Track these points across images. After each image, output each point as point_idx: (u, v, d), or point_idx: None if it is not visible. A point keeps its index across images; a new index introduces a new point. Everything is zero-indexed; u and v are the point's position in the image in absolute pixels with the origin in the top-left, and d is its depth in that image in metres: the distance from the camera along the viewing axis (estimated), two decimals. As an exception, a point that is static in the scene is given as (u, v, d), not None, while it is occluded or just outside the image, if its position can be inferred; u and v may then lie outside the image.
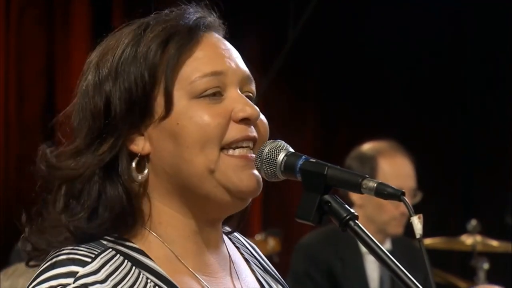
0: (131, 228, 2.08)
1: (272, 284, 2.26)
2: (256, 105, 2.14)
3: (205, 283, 2.11)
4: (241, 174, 2.06)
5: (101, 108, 2.07)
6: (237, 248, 2.27)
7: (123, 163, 2.06)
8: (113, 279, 2.01)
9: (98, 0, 8.51)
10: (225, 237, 2.23)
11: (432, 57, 8.88)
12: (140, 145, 2.08)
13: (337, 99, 8.64)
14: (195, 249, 2.12)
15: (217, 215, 2.13)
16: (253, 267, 2.26)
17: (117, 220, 2.05)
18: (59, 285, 1.97)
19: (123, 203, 2.05)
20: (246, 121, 2.07)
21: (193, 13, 2.14)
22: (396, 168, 5.62)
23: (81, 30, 8.41)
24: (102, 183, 2.06)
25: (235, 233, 2.30)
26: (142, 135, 2.08)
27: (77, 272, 1.98)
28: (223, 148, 2.06)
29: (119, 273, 2.02)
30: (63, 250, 2.03)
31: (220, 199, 2.07)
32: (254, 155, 2.10)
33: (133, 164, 2.07)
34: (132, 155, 2.08)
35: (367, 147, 5.76)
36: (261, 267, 2.29)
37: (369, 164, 5.61)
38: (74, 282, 1.97)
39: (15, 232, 7.33)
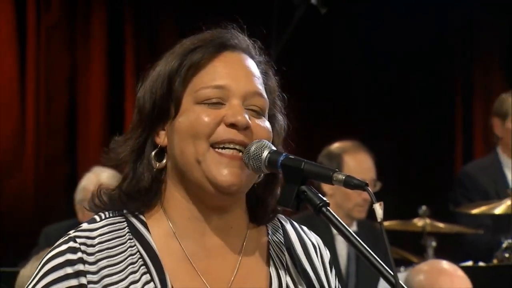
0: (150, 204, 2.07)
1: (297, 283, 2.13)
2: None
3: (194, 264, 2.04)
4: (222, 169, 2.00)
5: (140, 105, 2.08)
6: (268, 238, 2.16)
7: (148, 151, 2.06)
8: (102, 238, 2.02)
9: (112, 23, 8.31)
10: (257, 227, 2.15)
11: (387, 70, 8.65)
12: (162, 138, 2.07)
13: (313, 108, 8.54)
14: (194, 232, 2.05)
15: (211, 203, 2.05)
16: (276, 265, 2.13)
17: (140, 194, 2.05)
18: (68, 233, 2.05)
19: (146, 182, 2.05)
20: (234, 126, 2.01)
21: (225, 33, 2.11)
22: (358, 163, 5.54)
23: (98, 47, 8.31)
24: (134, 163, 2.07)
25: (290, 226, 2.21)
26: (165, 130, 2.07)
27: (81, 227, 2.06)
28: (214, 145, 2.02)
29: (112, 235, 2.03)
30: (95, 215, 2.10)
31: (206, 188, 2.02)
32: (241, 154, 2.05)
33: (152, 153, 2.06)
34: (156, 146, 2.08)
35: (334, 146, 5.68)
36: (296, 267, 2.15)
37: (336, 160, 5.52)
38: (73, 233, 2.04)
39: (42, 220, 7.07)
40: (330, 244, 5.35)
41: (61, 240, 2.03)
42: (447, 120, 9.13)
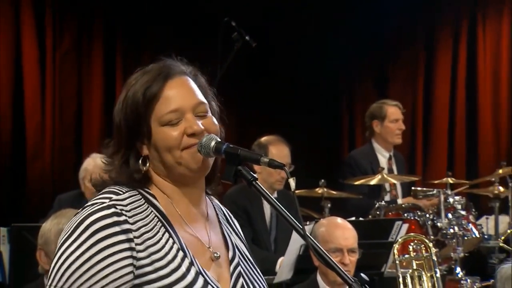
0: (148, 183, 1.98)
1: (235, 239, 2.10)
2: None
3: (187, 222, 1.98)
4: (194, 160, 1.94)
5: (118, 127, 1.98)
6: (215, 208, 2.11)
7: (132, 160, 1.97)
8: (132, 206, 1.92)
9: (107, 52, 8.23)
10: (208, 201, 2.09)
11: (302, 76, 8.55)
12: (143, 150, 1.97)
13: (249, 110, 8.53)
14: (182, 202, 1.99)
15: (189, 182, 1.98)
16: (222, 226, 2.09)
17: (135, 181, 1.96)
18: (100, 202, 1.90)
19: (135, 176, 1.96)
20: (193, 134, 1.94)
21: (168, 65, 2.01)
22: (279, 151, 5.46)
23: (98, 70, 8.20)
24: (126, 167, 1.96)
25: (216, 201, 2.15)
26: (144, 143, 1.97)
27: (112, 198, 1.91)
28: (183, 149, 1.94)
29: (137, 204, 1.93)
30: (110, 188, 1.97)
31: (187, 174, 1.96)
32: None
33: (140, 161, 1.97)
34: (139, 156, 1.97)
35: (263, 138, 5.59)
36: (229, 227, 2.13)
37: (264, 149, 5.46)
38: (109, 202, 1.89)
39: (57, 191, 7.01)
40: (258, 206, 5.40)
41: (98, 206, 1.88)
42: (338, 120, 9.08)
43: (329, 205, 6.09)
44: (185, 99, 1.96)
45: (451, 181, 6.11)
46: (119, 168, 1.96)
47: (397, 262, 4.65)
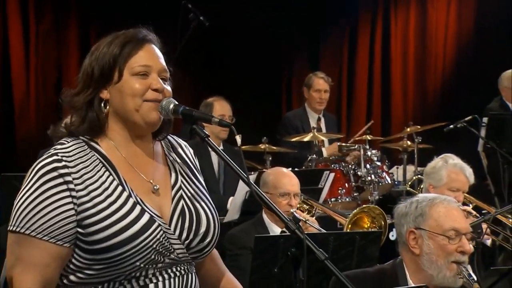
0: (99, 135, 1.92)
1: (181, 166, 2.02)
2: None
3: (131, 164, 1.92)
4: (150, 114, 1.90)
5: (89, 73, 1.91)
6: (163, 148, 2.02)
7: (96, 102, 1.91)
8: (74, 152, 1.87)
9: (82, 29, 8.09)
10: (158, 143, 2.02)
11: (251, 52, 8.37)
12: (105, 94, 1.91)
13: (204, 79, 8.39)
14: (128, 146, 1.92)
15: (140, 132, 1.93)
16: (167, 157, 2.01)
17: (92, 128, 1.91)
18: (47, 153, 1.87)
19: (95, 121, 1.90)
20: (156, 90, 1.90)
21: (143, 32, 1.96)
22: (222, 107, 5.41)
23: (73, 45, 8.05)
24: (86, 110, 1.91)
25: (172, 139, 2.07)
26: (106, 89, 1.90)
27: (56, 147, 1.88)
28: (145, 101, 1.89)
29: (79, 150, 1.89)
30: (60, 140, 1.93)
31: (141, 124, 1.90)
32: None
33: (102, 104, 1.91)
34: (101, 99, 1.91)
35: (209, 98, 5.53)
36: (181, 160, 2.03)
37: (210, 106, 5.40)
38: (53, 151, 1.86)
39: (40, 145, 6.77)
40: (207, 157, 5.28)
41: (46, 155, 1.85)
42: (279, 87, 9.02)
43: (270, 158, 6.09)
44: (155, 61, 1.93)
45: (369, 138, 6.18)
46: (83, 107, 1.90)
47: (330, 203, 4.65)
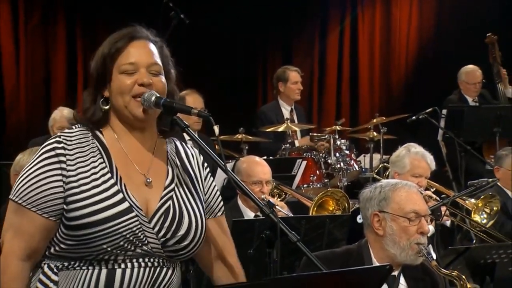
0: (103, 126, 1.93)
1: (180, 173, 1.98)
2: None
3: (129, 156, 1.91)
4: (136, 109, 1.88)
5: (91, 74, 1.93)
6: (167, 149, 1.99)
7: (98, 100, 1.91)
8: (76, 137, 1.90)
9: (69, 27, 7.97)
10: (164, 141, 1.99)
11: (227, 47, 8.33)
12: (106, 92, 1.91)
13: (184, 69, 8.29)
14: (128, 139, 1.92)
15: (134, 125, 1.91)
16: (169, 160, 1.97)
17: (93, 121, 1.92)
18: (53, 136, 1.92)
19: (95, 116, 1.91)
20: (142, 85, 1.88)
21: (135, 29, 1.94)
22: (194, 99, 5.33)
23: (61, 40, 7.94)
24: (94, 105, 1.92)
25: (181, 145, 2.03)
26: (106, 87, 1.90)
27: (64, 131, 1.93)
28: (133, 96, 1.87)
29: (82, 136, 1.91)
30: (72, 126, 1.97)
31: (130, 118, 1.89)
32: None
33: (100, 101, 1.91)
34: (102, 96, 1.92)
35: (183, 92, 5.33)
36: (183, 167, 1.99)
37: (182, 100, 5.29)
38: (59, 134, 1.91)
39: (31, 135, 6.65)
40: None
41: (52, 138, 1.90)
42: (255, 81, 8.96)
43: (246, 147, 6.05)
44: (142, 57, 1.90)
45: (338, 128, 6.21)
46: (89, 104, 1.92)
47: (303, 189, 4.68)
